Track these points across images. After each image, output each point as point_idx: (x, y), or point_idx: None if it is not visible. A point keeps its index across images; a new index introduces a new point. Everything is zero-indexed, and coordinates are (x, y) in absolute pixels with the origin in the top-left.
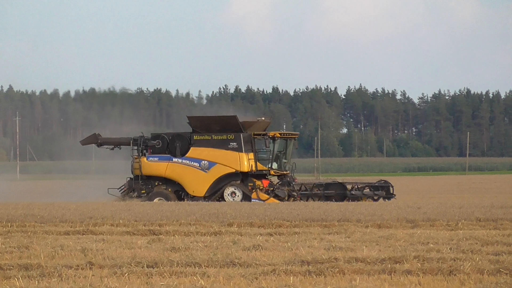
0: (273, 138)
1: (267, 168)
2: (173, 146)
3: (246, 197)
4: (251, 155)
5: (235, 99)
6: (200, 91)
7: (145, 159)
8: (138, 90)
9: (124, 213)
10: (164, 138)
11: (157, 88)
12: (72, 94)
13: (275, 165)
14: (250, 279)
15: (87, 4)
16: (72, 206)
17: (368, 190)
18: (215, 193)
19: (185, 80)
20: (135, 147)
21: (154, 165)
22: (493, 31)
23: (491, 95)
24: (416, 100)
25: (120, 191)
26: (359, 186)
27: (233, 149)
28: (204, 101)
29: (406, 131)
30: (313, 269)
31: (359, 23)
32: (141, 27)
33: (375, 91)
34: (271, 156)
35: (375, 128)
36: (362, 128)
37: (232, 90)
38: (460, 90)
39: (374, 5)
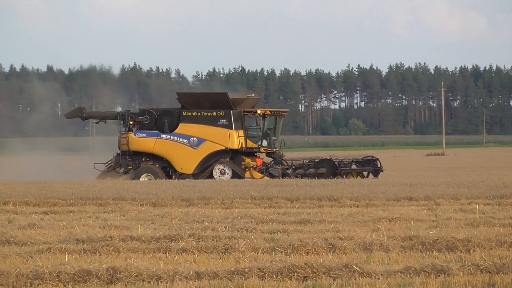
0: (263, 115)
1: (257, 146)
2: (162, 122)
3: (236, 175)
4: (241, 133)
5: (10, 78)
6: None
7: (132, 134)
8: None
9: None
10: (152, 113)
11: None
12: None
13: (265, 143)
14: (25, 257)
15: None
16: None
17: (356, 166)
18: (204, 170)
19: None
20: (122, 122)
21: (142, 141)
22: (268, 10)
23: (265, 72)
24: (190, 79)
25: (106, 166)
26: (345, 163)
27: (223, 126)
28: None
29: None
30: (88, 247)
31: (132, 2)
32: None
33: (149, 69)
34: (261, 134)
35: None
36: (137, 106)
37: (7, 70)
38: (234, 68)
39: None
